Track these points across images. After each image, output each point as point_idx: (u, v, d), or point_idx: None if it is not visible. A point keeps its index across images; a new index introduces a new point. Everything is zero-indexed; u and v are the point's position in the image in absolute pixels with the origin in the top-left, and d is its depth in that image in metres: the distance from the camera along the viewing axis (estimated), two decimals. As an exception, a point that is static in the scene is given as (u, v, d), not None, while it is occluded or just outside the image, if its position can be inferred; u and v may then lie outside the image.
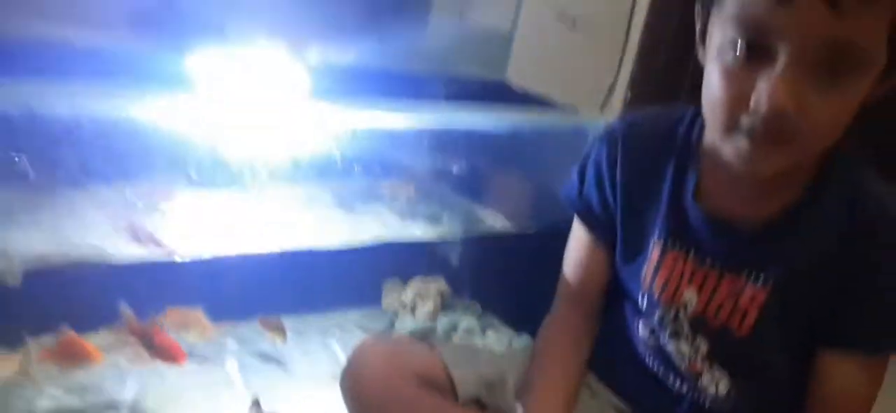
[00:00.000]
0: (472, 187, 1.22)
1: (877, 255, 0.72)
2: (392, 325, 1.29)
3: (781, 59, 0.61)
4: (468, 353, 0.92)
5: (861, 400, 0.74)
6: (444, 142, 1.10)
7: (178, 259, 0.92)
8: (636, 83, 1.75)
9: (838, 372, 0.75)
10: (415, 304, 1.30)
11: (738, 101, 0.65)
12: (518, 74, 1.37)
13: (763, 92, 0.62)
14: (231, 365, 1.09)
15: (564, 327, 0.88)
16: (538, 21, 1.26)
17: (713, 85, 0.67)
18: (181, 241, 0.96)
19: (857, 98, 0.64)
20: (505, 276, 1.37)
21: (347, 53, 1.13)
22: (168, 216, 1.01)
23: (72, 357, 0.94)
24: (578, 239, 0.90)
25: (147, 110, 0.83)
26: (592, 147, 0.88)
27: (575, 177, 0.90)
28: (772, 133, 0.64)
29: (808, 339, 0.76)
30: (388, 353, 0.85)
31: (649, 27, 1.73)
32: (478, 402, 0.87)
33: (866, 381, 0.74)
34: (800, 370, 0.76)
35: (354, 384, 0.84)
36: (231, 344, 1.14)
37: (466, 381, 0.86)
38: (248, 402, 0.99)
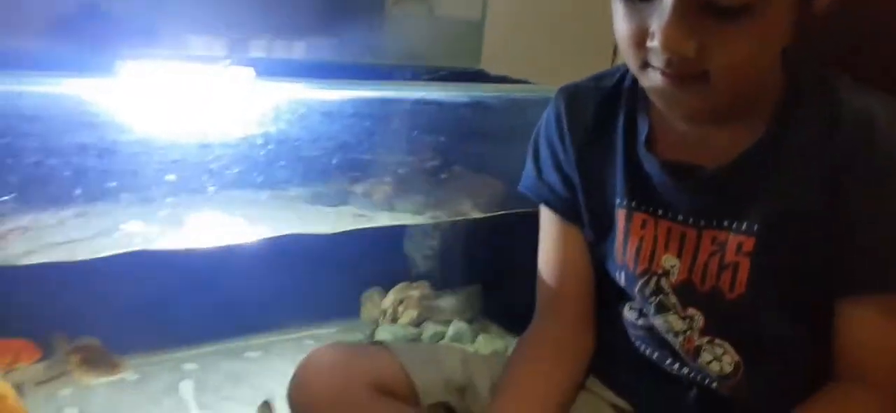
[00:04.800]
0: (452, 180, 1.13)
1: (873, 174, 0.63)
2: (372, 336, 1.20)
3: None
4: (432, 355, 0.83)
5: (889, 347, 0.64)
6: (420, 124, 1.00)
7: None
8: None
9: (856, 321, 0.65)
10: (396, 312, 1.21)
11: (640, 38, 0.60)
12: (494, 63, 1.30)
13: (657, 32, 0.58)
14: (186, 387, 1.02)
15: (541, 340, 0.79)
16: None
17: (617, 24, 0.63)
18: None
19: (774, 26, 0.59)
20: (497, 274, 1.28)
21: (299, 50, 1.07)
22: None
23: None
24: (548, 230, 0.83)
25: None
26: (539, 126, 0.81)
27: (529, 162, 0.83)
28: (679, 74, 0.59)
29: (812, 295, 0.67)
30: (339, 361, 0.77)
31: None
32: (446, 408, 0.78)
33: (891, 323, 0.64)
34: (811, 339, 0.67)
35: (301, 396, 0.76)
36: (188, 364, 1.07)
37: (430, 386, 0.77)
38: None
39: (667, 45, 0.57)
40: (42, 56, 0.89)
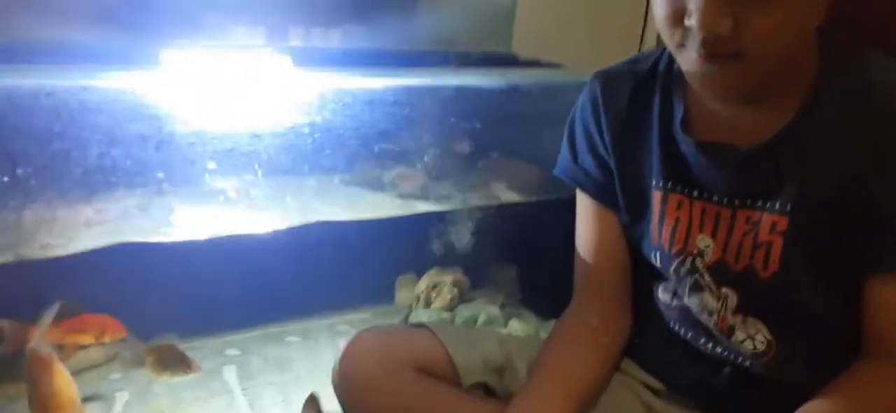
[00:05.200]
0: (485, 166, 1.14)
1: None
2: (406, 320, 1.22)
3: None
4: (472, 336, 0.84)
5: None
6: (452, 112, 1.00)
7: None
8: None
9: (885, 299, 0.65)
10: (429, 297, 1.23)
11: (677, 17, 0.61)
12: (524, 47, 1.30)
13: (694, 11, 0.58)
14: (229, 371, 1.04)
15: (579, 323, 0.80)
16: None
17: (655, 3, 0.63)
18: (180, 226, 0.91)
19: (808, 2, 0.58)
20: (528, 259, 1.29)
21: (336, 38, 1.08)
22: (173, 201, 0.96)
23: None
24: (584, 214, 0.83)
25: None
26: (575, 110, 0.82)
27: (565, 147, 0.84)
28: (714, 53, 0.59)
29: (844, 273, 0.66)
30: (382, 342, 0.79)
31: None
32: (485, 388, 0.79)
33: None
34: (843, 315, 0.67)
35: (345, 376, 0.78)
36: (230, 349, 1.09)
37: (470, 366, 0.78)
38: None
39: (703, 23, 0.57)
40: (87, 46, 0.91)
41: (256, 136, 0.82)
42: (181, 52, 0.83)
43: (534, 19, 1.28)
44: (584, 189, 0.82)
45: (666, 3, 0.61)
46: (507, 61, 1.27)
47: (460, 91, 0.92)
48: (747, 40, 0.58)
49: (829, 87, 0.65)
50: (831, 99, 0.65)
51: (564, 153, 0.84)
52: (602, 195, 0.80)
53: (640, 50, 1.64)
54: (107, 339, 0.94)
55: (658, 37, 1.64)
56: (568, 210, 0.87)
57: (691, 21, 0.58)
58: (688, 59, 0.62)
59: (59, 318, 0.90)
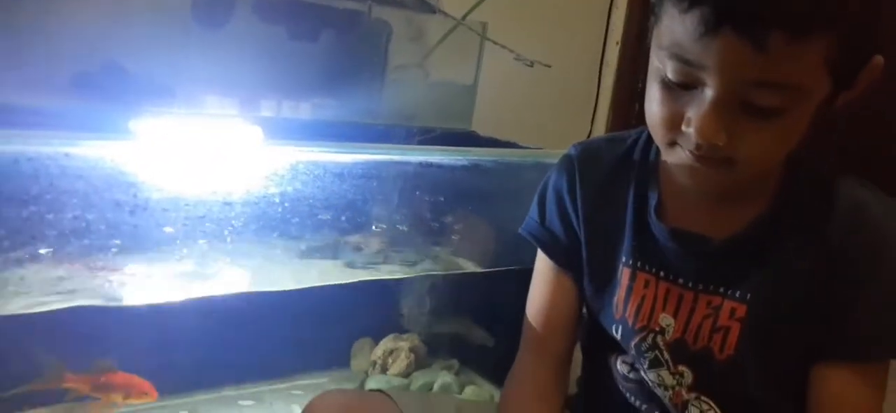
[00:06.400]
0: (448, 235, 1.19)
1: (861, 258, 0.68)
2: (362, 386, 1.23)
3: (709, 93, 0.61)
4: (429, 402, 0.87)
5: (861, 410, 0.69)
6: (415, 184, 1.06)
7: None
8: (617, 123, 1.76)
9: (832, 384, 0.70)
10: (386, 362, 1.25)
11: (672, 122, 0.64)
12: (484, 124, 1.38)
13: (692, 122, 0.62)
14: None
15: (527, 379, 0.83)
16: (500, 68, 1.27)
17: (651, 105, 0.67)
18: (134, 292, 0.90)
19: (799, 123, 0.63)
20: (485, 327, 1.32)
21: (306, 110, 1.13)
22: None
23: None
24: (542, 275, 0.87)
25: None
26: (549, 176, 0.86)
27: (534, 208, 0.87)
28: (706, 157, 0.63)
29: (797, 364, 0.71)
30: (339, 406, 0.80)
31: (621, 74, 1.76)
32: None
33: (864, 390, 0.69)
34: (793, 405, 0.72)
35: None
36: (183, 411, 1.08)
37: (429, 432, 0.81)
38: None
39: (702, 133, 0.60)
40: (59, 112, 0.93)
41: (228, 204, 0.85)
42: (156, 120, 0.86)
43: (493, 100, 1.36)
44: (546, 250, 0.85)
45: (663, 106, 0.64)
46: (468, 138, 1.34)
47: (425, 166, 0.98)
48: (740, 151, 0.61)
49: (798, 191, 0.70)
50: (800, 203, 0.70)
51: (533, 214, 0.87)
52: (562, 259, 0.84)
53: (590, 132, 1.75)
54: (133, 401, 0.91)
55: (607, 120, 1.74)
56: (523, 280, 0.92)
57: (690, 128, 0.62)
58: (677, 157, 0.65)
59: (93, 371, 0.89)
